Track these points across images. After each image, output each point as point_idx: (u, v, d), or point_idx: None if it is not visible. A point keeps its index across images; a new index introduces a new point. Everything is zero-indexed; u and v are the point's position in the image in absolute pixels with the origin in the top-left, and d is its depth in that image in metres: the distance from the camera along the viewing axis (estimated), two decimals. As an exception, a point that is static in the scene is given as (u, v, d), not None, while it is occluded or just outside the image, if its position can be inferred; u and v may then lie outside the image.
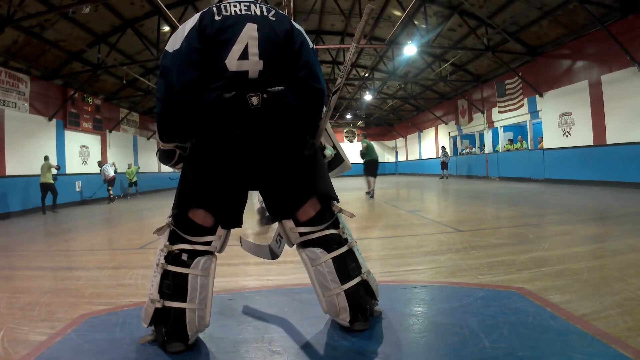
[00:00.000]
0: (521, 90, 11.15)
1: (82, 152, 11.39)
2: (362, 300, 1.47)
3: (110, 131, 12.89)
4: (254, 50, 1.36)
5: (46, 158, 8.69)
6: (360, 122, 24.03)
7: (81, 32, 8.79)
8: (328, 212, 1.52)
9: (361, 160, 8.16)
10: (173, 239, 1.42)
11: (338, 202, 1.57)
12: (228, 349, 1.41)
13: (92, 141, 11.89)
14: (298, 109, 1.45)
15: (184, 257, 1.39)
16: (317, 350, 1.38)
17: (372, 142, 8.70)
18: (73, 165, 10.80)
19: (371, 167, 8.05)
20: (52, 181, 8.53)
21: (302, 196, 1.47)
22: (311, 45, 1.52)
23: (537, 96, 10.41)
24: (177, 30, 1.41)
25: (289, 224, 1.49)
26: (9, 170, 8.30)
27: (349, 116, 22.54)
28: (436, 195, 8.13)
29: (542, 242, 2.97)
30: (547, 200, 6.18)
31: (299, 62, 1.44)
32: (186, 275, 1.37)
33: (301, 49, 1.46)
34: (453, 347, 1.32)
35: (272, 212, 1.55)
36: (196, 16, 1.40)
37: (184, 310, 1.34)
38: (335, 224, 1.52)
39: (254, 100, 1.35)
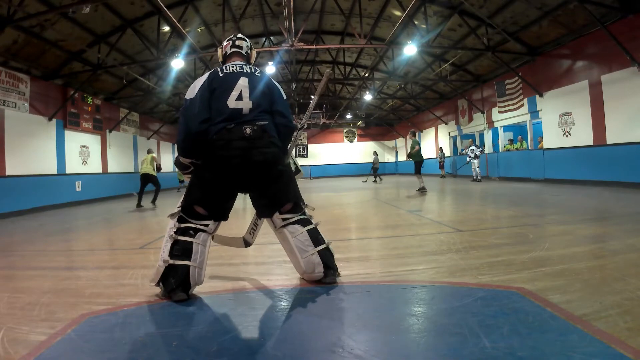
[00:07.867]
0: (521, 90, 11.15)
1: (82, 152, 11.39)
2: (330, 260, 2.14)
3: (110, 131, 12.88)
4: (246, 94, 2.03)
5: (149, 151, 8.95)
6: (360, 122, 24.02)
7: (81, 32, 8.78)
8: (299, 208, 2.20)
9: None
10: (181, 220, 2.01)
11: (305, 205, 2.23)
12: (228, 348, 1.41)
13: (92, 141, 11.88)
14: (276, 137, 2.07)
15: (191, 231, 1.98)
16: (317, 350, 1.39)
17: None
18: (73, 165, 10.80)
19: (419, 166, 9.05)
20: (154, 173, 8.43)
21: (282, 202, 2.14)
22: (284, 96, 2.20)
23: (537, 96, 10.41)
24: (194, 82, 2.08)
25: (275, 214, 2.15)
26: (9, 170, 8.29)
27: (348, 116, 22.54)
28: (436, 195, 8.12)
29: (542, 242, 2.96)
30: (547, 200, 6.17)
31: (275, 108, 2.12)
32: (191, 242, 1.95)
33: (276, 99, 2.14)
34: (453, 347, 1.32)
35: (260, 213, 2.23)
36: (206, 74, 2.09)
37: (188, 267, 1.90)
38: (304, 214, 2.20)
39: (247, 130, 1.96)
